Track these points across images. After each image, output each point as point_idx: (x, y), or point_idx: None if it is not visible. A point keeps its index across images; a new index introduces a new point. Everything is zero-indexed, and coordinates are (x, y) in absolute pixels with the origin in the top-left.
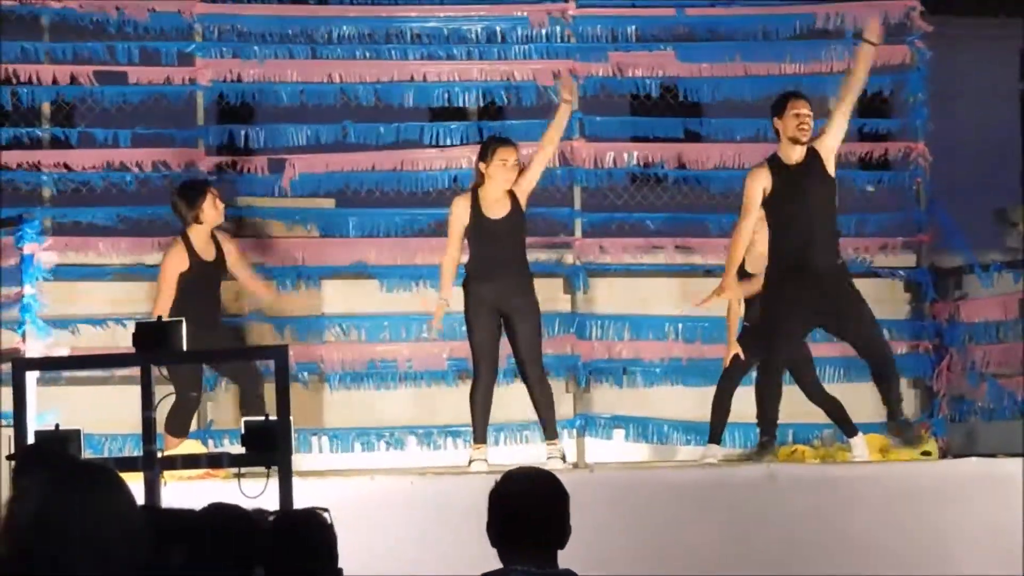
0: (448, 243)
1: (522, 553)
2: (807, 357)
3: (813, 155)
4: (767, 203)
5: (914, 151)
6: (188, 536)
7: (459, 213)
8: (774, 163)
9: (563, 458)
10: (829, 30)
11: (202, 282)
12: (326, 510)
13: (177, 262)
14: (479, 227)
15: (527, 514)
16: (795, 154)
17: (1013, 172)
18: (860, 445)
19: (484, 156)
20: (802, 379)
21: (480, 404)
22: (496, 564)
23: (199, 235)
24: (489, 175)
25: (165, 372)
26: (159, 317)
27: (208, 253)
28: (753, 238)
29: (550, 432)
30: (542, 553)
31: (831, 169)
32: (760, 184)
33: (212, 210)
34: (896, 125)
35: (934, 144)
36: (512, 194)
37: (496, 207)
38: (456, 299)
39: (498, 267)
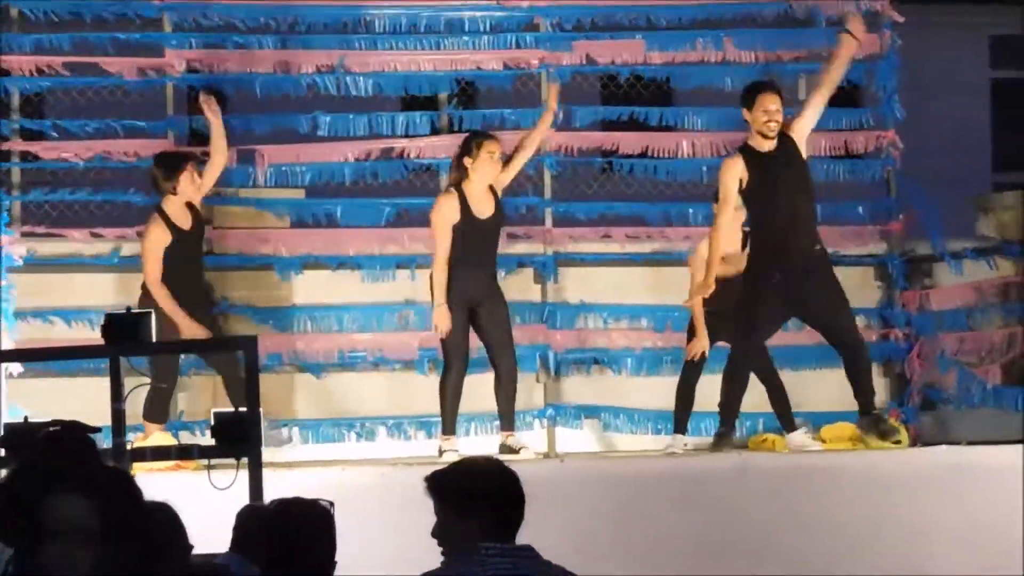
0: (438, 247)
1: (492, 532)
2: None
3: (785, 141)
4: (744, 194)
5: (885, 139)
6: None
7: (447, 213)
8: (747, 152)
9: (516, 450)
10: (801, 18)
11: (184, 252)
12: (331, 503)
13: (159, 236)
14: (468, 226)
15: (518, 499)
16: (767, 143)
17: (984, 160)
18: (795, 442)
19: (469, 151)
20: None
21: (451, 394)
22: None
23: (174, 206)
24: (475, 169)
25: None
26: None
27: (185, 221)
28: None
29: (507, 424)
30: (511, 532)
31: (804, 153)
32: (736, 175)
33: (189, 184)
34: (867, 114)
35: (905, 132)
36: (494, 191)
37: (483, 205)
38: (423, 290)
39: (476, 265)
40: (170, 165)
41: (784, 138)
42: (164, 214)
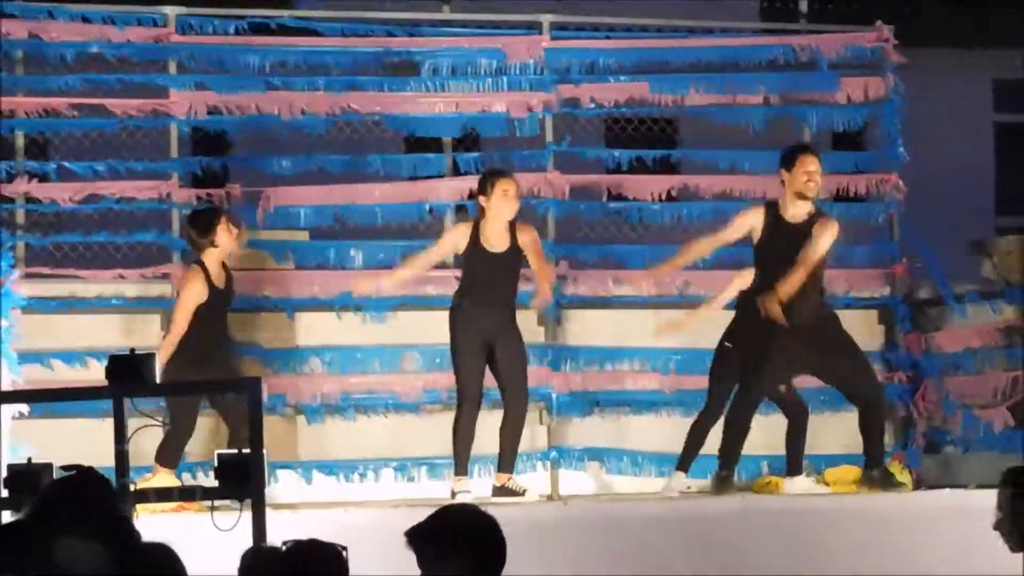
0: (430, 248)
1: None
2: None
3: (813, 222)
4: (760, 248)
5: (888, 183)
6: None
7: (454, 237)
8: (771, 212)
9: (519, 492)
10: (804, 62)
11: (215, 312)
12: (344, 548)
13: (198, 292)
14: (477, 258)
15: (498, 543)
16: (798, 210)
17: (987, 203)
18: (795, 488)
19: (484, 189)
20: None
21: (464, 435)
22: None
23: (213, 262)
24: (491, 207)
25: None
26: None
27: (220, 280)
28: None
29: (507, 466)
30: None
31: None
32: (750, 221)
33: (226, 235)
34: (870, 157)
35: (908, 175)
36: (513, 229)
37: (497, 240)
38: (428, 332)
39: (491, 300)
40: (205, 222)
41: (813, 220)
42: (205, 268)
